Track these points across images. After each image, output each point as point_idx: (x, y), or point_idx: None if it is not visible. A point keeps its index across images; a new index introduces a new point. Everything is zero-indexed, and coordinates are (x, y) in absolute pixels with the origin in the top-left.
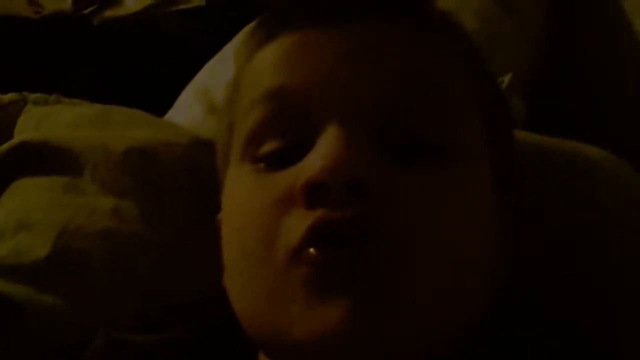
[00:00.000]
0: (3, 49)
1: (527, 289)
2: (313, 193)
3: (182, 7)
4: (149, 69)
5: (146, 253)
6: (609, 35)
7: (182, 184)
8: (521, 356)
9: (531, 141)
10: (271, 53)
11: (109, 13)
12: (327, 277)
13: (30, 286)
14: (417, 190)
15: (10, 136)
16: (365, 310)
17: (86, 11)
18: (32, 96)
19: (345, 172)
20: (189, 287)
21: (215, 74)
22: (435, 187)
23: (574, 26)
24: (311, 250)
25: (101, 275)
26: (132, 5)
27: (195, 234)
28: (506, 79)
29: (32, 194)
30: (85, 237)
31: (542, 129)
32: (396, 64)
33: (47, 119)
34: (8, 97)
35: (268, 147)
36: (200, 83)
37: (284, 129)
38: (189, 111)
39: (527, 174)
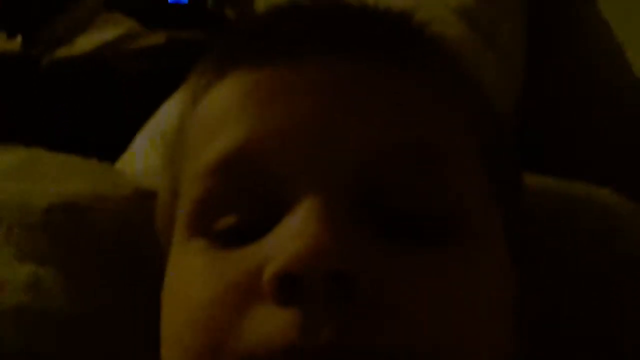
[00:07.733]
0: None
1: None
2: (285, 286)
3: (139, 45)
4: (102, 111)
5: (67, 335)
6: (587, 70)
7: (116, 247)
8: None
9: (536, 185)
10: (223, 97)
11: (60, 53)
12: None
13: None
14: (418, 283)
15: None
16: None
17: (35, 51)
18: None
19: (327, 261)
20: None
21: (172, 117)
22: (443, 278)
23: (552, 58)
24: None
25: None
26: (84, 44)
27: (129, 311)
28: None
29: None
30: None
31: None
32: (383, 116)
33: None
34: None
35: (223, 222)
36: (156, 127)
37: (244, 201)
38: (144, 158)
39: (538, 221)
